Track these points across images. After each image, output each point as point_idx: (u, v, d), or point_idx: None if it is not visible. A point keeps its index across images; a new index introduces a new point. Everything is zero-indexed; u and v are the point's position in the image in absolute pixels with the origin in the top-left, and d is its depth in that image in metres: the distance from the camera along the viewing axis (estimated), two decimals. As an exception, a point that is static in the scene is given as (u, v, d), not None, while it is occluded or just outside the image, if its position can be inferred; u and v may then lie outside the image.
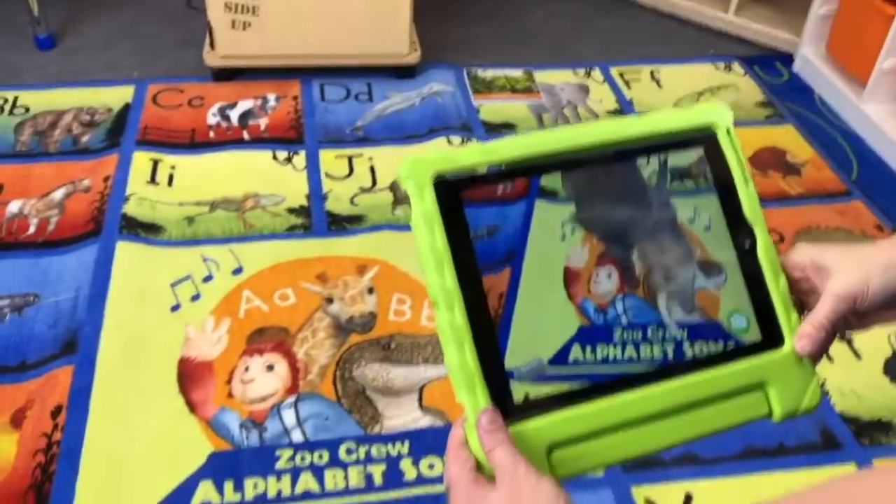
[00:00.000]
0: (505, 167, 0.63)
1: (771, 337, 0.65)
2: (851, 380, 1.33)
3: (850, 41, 2.01)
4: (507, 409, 0.58)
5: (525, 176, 0.64)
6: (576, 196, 0.64)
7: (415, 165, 0.61)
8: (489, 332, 0.59)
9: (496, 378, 0.59)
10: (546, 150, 0.64)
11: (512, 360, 0.60)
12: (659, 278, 0.65)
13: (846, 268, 0.61)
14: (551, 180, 0.64)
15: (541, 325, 0.62)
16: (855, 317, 0.63)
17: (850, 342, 1.40)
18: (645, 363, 0.63)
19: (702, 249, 0.67)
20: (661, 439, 0.61)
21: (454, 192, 0.61)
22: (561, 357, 0.61)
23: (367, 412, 1.24)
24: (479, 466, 0.57)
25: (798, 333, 0.64)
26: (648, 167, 0.66)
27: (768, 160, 1.83)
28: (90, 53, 2.05)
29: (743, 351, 0.64)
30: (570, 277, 0.63)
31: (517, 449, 0.55)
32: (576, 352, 0.62)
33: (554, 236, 0.63)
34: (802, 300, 0.66)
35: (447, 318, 0.59)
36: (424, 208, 0.60)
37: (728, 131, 0.67)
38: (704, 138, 0.67)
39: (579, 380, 0.61)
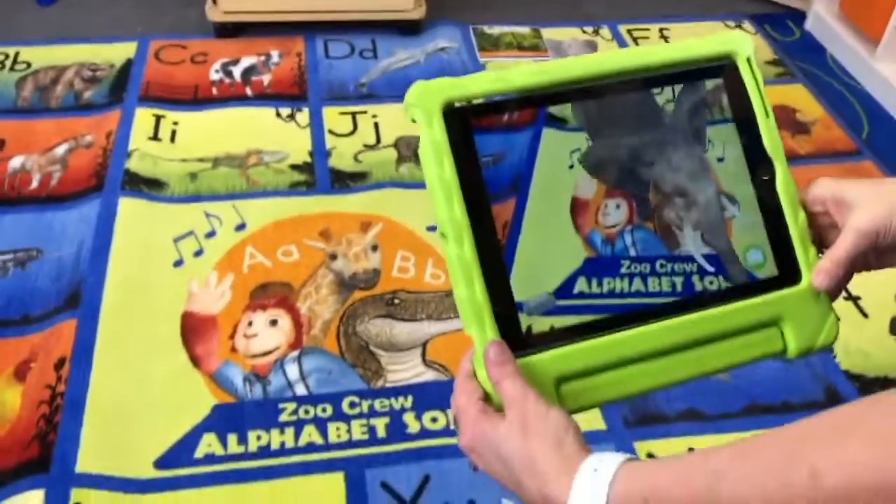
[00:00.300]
0: (516, 95, 0.61)
1: (788, 273, 0.64)
2: (857, 338, 1.32)
3: (864, -2, 1.97)
4: (516, 341, 0.58)
5: (536, 105, 0.62)
6: (587, 125, 0.63)
7: (422, 92, 0.59)
8: (498, 265, 0.59)
9: (505, 311, 0.58)
10: (558, 78, 0.62)
11: (520, 293, 0.59)
12: (678, 208, 0.64)
13: (869, 202, 0.59)
14: (562, 109, 0.63)
15: (546, 256, 0.61)
16: (874, 254, 0.62)
17: (856, 300, 1.39)
18: (654, 296, 0.62)
19: (715, 181, 0.65)
20: (671, 374, 0.61)
21: (463, 121, 0.59)
22: (566, 289, 0.61)
23: (370, 367, 1.23)
24: (487, 398, 0.57)
25: (816, 269, 0.62)
26: (662, 96, 0.64)
27: (778, 119, 1.78)
28: (92, 9, 2.02)
29: (758, 286, 0.64)
30: (577, 208, 0.62)
31: (525, 380, 0.55)
32: (581, 284, 0.62)
33: (562, 165, 0.62)
34: (822, 236, 0.65)
35: (456, 251, 0.57)
36: (433, 137, 0.58)
37: (748, 60, 0.65)
38: (723, 67, 0.65)
39: (590, 312, 0.61)
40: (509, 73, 0.61)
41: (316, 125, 1.69)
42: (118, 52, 1.85)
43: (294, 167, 1.58)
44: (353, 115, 1.73)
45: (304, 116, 1.71)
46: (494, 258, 0.59)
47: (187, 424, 1.14)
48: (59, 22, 1.97)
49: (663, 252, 0.63)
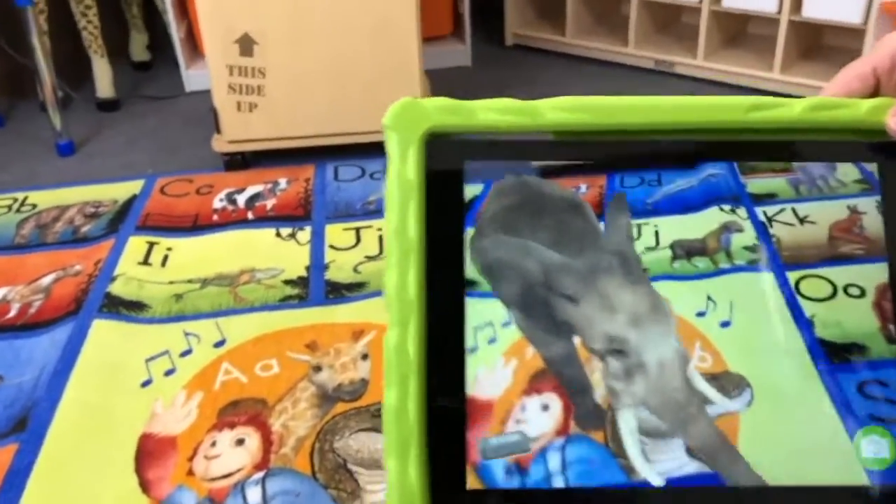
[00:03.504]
0: (553, 136, 0.43)
1: None
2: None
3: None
4: (451, 490, 0.40)
5: (572, 157, 0.43)
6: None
7: (404, 112, 0.43)
8: (453, 375, 0.41)
9: (446, 441, 0.40)
10: (617, 120, 0.43)
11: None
12: (610, 378, 0.43)
13: None
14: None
15: None
16: None
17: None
18: None
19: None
20: None
21: (452, 160, 0.43)
22: None
23: (346, 487, 1.04)
24: None
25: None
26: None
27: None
28: (109, 156, 2.03)
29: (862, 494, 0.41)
30: (470, 413, 0.42)
31: None
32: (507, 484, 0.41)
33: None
34: None
35: (395, 339, 0.40)
36: (403, 175, 0.42)
37: None
38: (883, 148, 0.44)
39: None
40: (541, 104, 0.44)
41: (317, 242, 1.58)
42: (124, 190, 1.82)
43: (287, 282, 1.46)
44: (357, 229, 1.62)
45: (305, 234, 1.61)
46: (451, 363, 0.41)
47: (121, 560, 0.96)
48: (76, 170, 1.97)
49: (614, 478, 0.42)
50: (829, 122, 0.43)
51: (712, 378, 0.42)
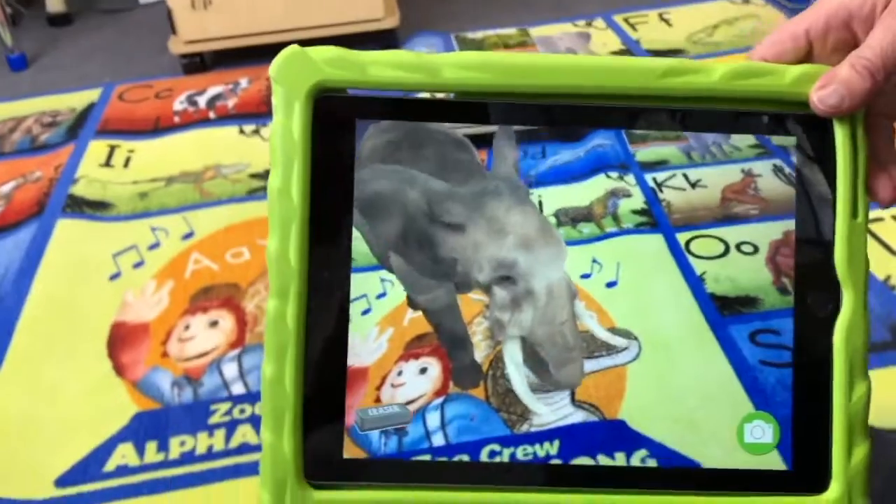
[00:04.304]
0: (455, 96, 0.40)
1: (806, 472, 0.40)
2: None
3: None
4: (327, 463, 0.39)
5: (468, 117, 0.41)
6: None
7: (291, 62, 0.40)
8: (335, 344, 0.39)
9: (323, 411, 0.39)
10: (516, 81, 0.40)
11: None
12: (497, 307, 0.41)
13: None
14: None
15: None
16: None
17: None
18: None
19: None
20: None
21: (341, 120, 0.40)
22: None
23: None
24: None
25: (825, 76, 0.39)
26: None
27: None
28: (63, 69, 1.97)
29: (748, 479, 0.40)
30: (348, 382, 0.41)
31: None
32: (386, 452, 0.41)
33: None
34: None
35: (275, 308, 0.38)
36: (286, 130, 0.39)
37: (854, 120, 0.41)
38: (804, 121, 0.41)
39: (447, 454, 0.40)
40: (439, 60, 0.40)
41: (281, 136, 1.55)
42: (81, 99, 1.77)
43: (254, 175, 1.43)
44: (322, 122, 1.59)
45: (268, 130, 1.57)
46: (332, 332, 0.39)
47: (101, 436, 0.95)
48: (30, 83, 1.91)
49: (499, 430, 0.41)
50: (750, 91, 0.41)
51: (594, 336, 0.40)
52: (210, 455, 0.92)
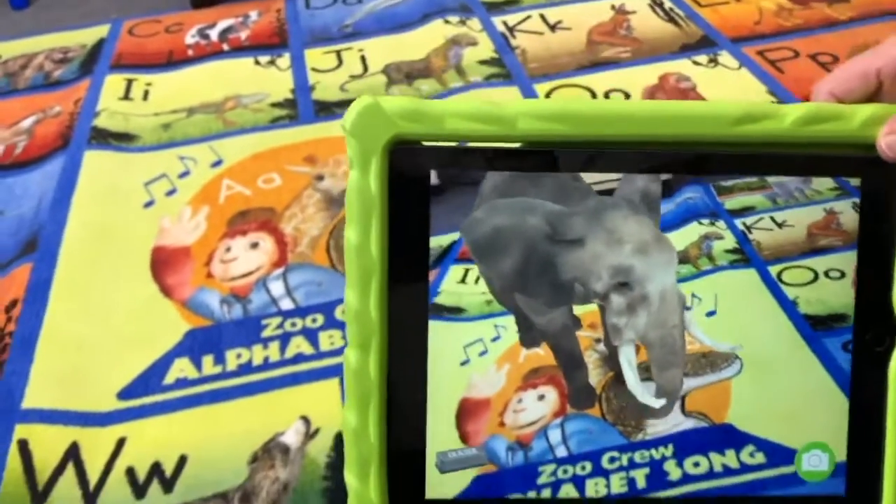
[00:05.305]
0: (523, 145, 0.41)
1: (858, 497, 0.44)
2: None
3: None
4: None
5: (548, 166, 0.42)
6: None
7: (367, 116, 0.40)
8: (415, 393, 0.42)
9: (406, 458, 0.42)
10: (597, 131, 0.42)
11: (439, 439, 0.43)
12: (614, 314, 0.45)
13: None
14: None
15: None
16: None
17: None
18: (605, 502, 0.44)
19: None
20: None
21: (419, 171, 0.41)
22: None
23: (365, 274, 1.06)
24: None
25: (892, 120, 0.41)
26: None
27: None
28: (66, 7, 1.95)
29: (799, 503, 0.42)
30: (466, 412, 0.44)
31: None
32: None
33: (452, 362, 0.44)
34: None
35: (356, 361, 0.40)
36: (363, 188, 0.40)
37: None
38: (867, 164, 0.43)
39: (571, 462, 0.44)
40: (514, 109, 0.41)
41: (298, 67, 1.55)
42: (90, 35, 1.75)
43: (274, 105, 1.44)
44: (338, 52, 1.59)
45: (284, 61, 1.57)
46: (412, 382, 0.42)
47: (156, 352, 0.98)
48: (33, 21, 1.89)
49: (615, 441, 0.45)
50: (819, 136, 0.43)
51: (702, 356, 0.44)
52: (267, 365, 0.95)
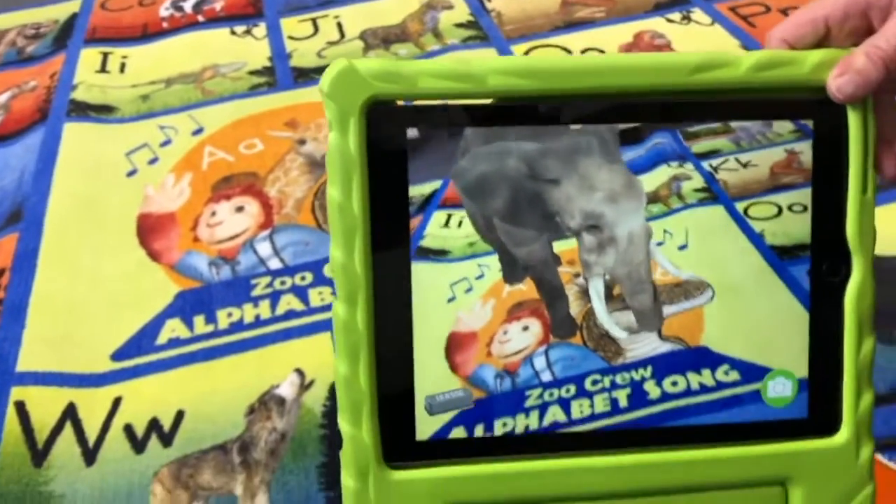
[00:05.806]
0: (494, 101, 0.43)
1: (820, 417, 0.46)
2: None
3: None
4: (402, 446, 0.44)
5: (515, 119, 0.44)
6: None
7: (342, 78, 0.41)
8: (401, 340, 0.43)
9: (396, 402, 0.44)
10: (554, 85, 0.44)
11: (426, 383, 0.45)
12: (587, 251, 0.48)
13: None
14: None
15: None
16: None
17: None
18: (583, 423, 0.47)
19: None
20: None
21: (396, 130, 0.42)
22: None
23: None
24: None
25: (841, 63, 0.44)
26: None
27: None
28: (36, -16, 1.92)
29: (769, 428, 0.47)
30: (455, 344, 0.46)
31: None
32: (457, 433, 0.46)
33: (439, 300, 0.46)
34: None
35: (344, 315, 0.42)
36: (343, 147, 0.41)
37: (865, 104, 0.45)
38: (817, 106, 0.46)
39: (556, 385, 0.47)
40: (484, 67, 0.43)
41: (274, 35, 1.55)
42: (62, 10, 1.73)
43: (252, 72, 1.44)
44: (314, 20, 1.59)
45: (260, 30, 1.57)
46: (398, 329, 0.43)
47: (147, 314, 0.99)
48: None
49: (597, 366, 0.47)
50: (773, 81, 0.45)
51: (675, 286, 0.46)
52: (258, 323, 0.96)
